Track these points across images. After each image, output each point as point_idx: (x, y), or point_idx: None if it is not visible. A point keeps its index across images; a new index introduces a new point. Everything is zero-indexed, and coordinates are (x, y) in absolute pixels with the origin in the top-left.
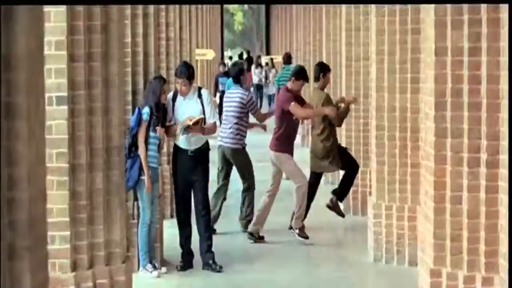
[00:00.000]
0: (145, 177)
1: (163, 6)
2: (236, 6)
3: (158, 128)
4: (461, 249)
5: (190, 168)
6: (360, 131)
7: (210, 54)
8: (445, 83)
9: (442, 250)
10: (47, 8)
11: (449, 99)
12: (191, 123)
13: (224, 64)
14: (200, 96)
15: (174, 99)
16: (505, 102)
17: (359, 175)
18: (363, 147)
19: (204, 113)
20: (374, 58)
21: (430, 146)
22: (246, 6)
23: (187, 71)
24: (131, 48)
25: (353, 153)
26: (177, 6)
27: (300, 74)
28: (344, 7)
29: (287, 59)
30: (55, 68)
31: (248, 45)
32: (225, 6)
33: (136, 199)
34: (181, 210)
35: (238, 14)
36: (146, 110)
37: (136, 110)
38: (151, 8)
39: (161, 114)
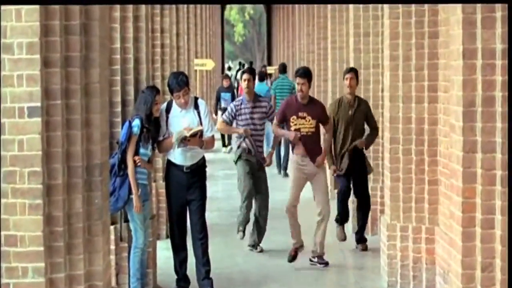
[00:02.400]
0: (133, 196)
1: (157, 11)
2: (236, 17)
3: (136, 157)
4: (493, 280)
5: (185, 186)
6: (380, 144)
7: (209, 64)
8: (475, 90)
9: (471, 281)
10: (17, 6)
11: (479, 108)
12: (188, 134)
13: (227, 77)
14: (196, 107)
15: (168, 110)
16: None
17: (369, 192)
18: (373, 161)
19: (201, 125)
20: (388, 64)
21: (457, 162)
22: (247, 16)
23: (185, 78)
24: (121, 55)
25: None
26: (174, 11)
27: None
28: (351, 11)
29: (283, 68)
30: (27, 74)
31: (249, 57)
32: (226, 17)
33: (126, 220)
34: (175, 232)
35: (238, 25)
36: (136, 123)
37: (126, 123)
38: (143, 10)
39: (153, 127)
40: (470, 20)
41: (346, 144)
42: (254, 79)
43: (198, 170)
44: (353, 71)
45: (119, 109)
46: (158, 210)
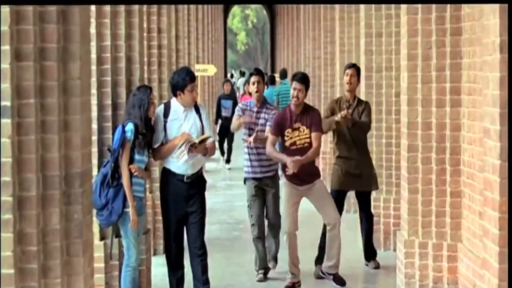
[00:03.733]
0: (129, 209)
1: (154, 9)
2: (239, 25)
3: (131, 166)
4: None
5: (185, 197)
6: (382, 152)
7: (211, 69)
8: None
9: None
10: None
11: None
12: (197, 141)
13: (229, 82)
14: (197, 110)
15: (166, 115)
16: None
17: (381, 203)
18: (386, 171)
19: (203, 131)
20: (405, 64)
21: (493, 171)
22: (250, 25)
23: (193, 74)
24: (111, 53)
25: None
26: (173, 12)
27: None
28: (362, 11)
29: (284, 74)
30: None
31: (252, 65)
32: (228, 26)
33: (117, 235)
34: (172, 249)
35: (241, 34)
36: (130, 127)
37: (119, 127)
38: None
39: (150, 131)
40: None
41: (350, 149)
42: (263, 81)
43: (199, 180)
44: (355, 68)
45: (109, 112)
46: (155, 224)
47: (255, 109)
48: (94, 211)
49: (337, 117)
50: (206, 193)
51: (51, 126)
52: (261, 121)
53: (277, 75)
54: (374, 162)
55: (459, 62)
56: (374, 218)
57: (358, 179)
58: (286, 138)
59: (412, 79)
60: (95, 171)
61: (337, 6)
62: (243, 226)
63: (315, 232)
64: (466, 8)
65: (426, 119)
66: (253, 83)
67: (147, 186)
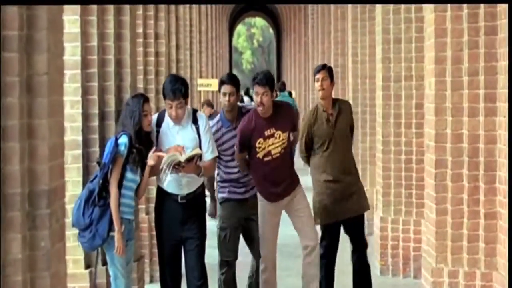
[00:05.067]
0: (115, 234)
1: (151, 13)
2: (245, 44)
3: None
4: None
5: (180, 220)
6: (401, 170)
7: (215, 84)
8: None
9: None
10: None
11: None
12: (183, 159)
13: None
14: (195, 121)
15: (158, 124)
16: None
17: (399, 225)
18: (405, 190)
19: (200, 146)
20: (432, 69)
21: None
22: (255, 44)
23: (184, 87)
24: (98, 55)
25: (391, 197)
26: (173, 18)
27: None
28: (379, 14)
29: (283, 86)
30: None
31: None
32: (234, 44)
33: (104, 263)
34: (167, 278)
35: (246, 52)
36: (123, 140)
37: (111, 139)
38: None
39: (146, 146)
40: None
41: (336, 170)
42: (238, 91)
43: (196, 201)
44: (325, 69)
45: (96, 123)
46: (151, 248)
47: (229, 131)
48: (77, 232)
49: None
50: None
51: (11, 132)
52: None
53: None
54: (391, 181)
55: (494, 65)
56: (393, 242)
57: (349, 202)
58: (258, 150)
59: (441, 85)
60: (79, 189)
61: (349, 15)
62: None
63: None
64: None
65: (457, 130)
66: (224, 94)
67: (143, 206)
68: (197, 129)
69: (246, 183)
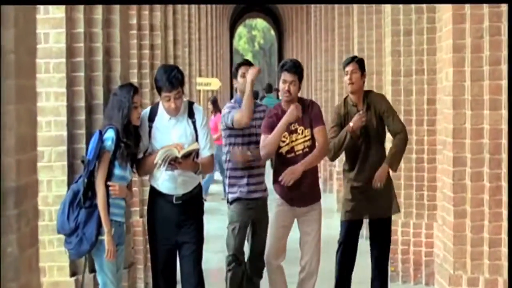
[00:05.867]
0: (105, 237)
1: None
2: (246, 47)
3: (110, 184)
4: None
5: (175, 223)
6: (412, 169)
7: (215, 83)
8: None
9: None
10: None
11: None
12: (180, 155)
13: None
14: (191, 115)
15: (151, 118)
16: None
17: (410, 229)
18: (416, 191)
19: (197, 141)
20: (449, 58)
21: None
22: (256, 46)
23: (180, 75)
24: (85, 43)
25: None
26: (171, 13)
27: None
28: (388, 6)
29: (268, 88)
30: None
31: (259, 87)
32: (235, 47)
33: (92, 270)
34: (161, 286)
35: (247, 55)
36: (110, 135)
37: (95, 134)
38: None
39: (133, 141)
40: None
41: (365, 169)
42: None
43: (193, 202)
44: (355, 61)
45: (83, 117)
46: (146, 254)
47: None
48: (63, 238)
49: (350, 125)
50: (205, 217)
51: None
52: (257, 122)
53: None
54: (402, 181)
55: None
56: (403, 247)
57: (375, 202)
58: (282, 144)
59: (459, 75)
60: (64, 189)
61: (355, 8)
62: None
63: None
64: None
65: (477, 125)
66: (243, 75)
67: (137, 209)
68: (194, 123)
69: (260, 182)
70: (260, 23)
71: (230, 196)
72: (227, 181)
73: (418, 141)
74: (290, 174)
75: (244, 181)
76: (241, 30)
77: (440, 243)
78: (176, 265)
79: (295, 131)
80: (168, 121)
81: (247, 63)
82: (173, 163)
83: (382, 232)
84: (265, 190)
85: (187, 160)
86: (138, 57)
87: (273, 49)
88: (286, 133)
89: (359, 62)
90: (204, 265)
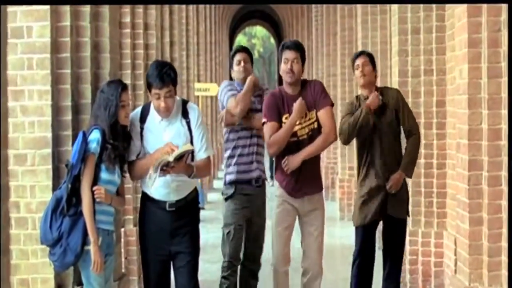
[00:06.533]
0: (91, 247)
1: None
2: None
3: (95, 188)
4: None
5: (169, 232)
6: (421, 175)
7: (213, 89)
8: None
9: None
10: None
11: None
12: (172, 158)
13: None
14: (185, 114)
15: (142, 119)
16: None
17: (419, 238)
18: (425, 198)
19: (192, 143)
20: (464, 54)
21: None
22: (256, 55)
23: (172, 72)
24: (72, 38)
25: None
26: (167, 14)
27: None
28: (397, 9)
29: None
30: None
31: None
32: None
33: (78, 283)
34: None
35: None
36: (95, 136)
37: (80, 135)
38: None
39: (122, 142)
40: None
41: (379, 169)
42: (252, 61)
43: (188, 209)
44: (365, 55)
45: (69, 117)
46: (140, 265)
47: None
48: (48, 250)
49: (366, 102)
50: (203, 226)
51: None
52: (257, 105)
53: None
54: (410, 188)
55: None
56: (411, 257)
57: (387, 204)
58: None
59: (474, 72)
60: (49, 195)
61: (359, 10)
62: None
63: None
64: None
65: (494, 125)
66: (238, 62)
67: (131, 217)
68: (188, 123)
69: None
70: (259, 31)
71: (228, 179)
72: (225, 162)
73: (427, 146)
74: (288, 164)
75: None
76: (240, 38)
77: (450, 252)
78: (170, 277)
79: None
80: (159, 122)
81: (243, 50)
82: (165, 168)
83: (395, 241)
84: (264, 171)
85: (180, 163)
86: (131, 57)
87: (272, 57)
88: (288, 115)
89: (370, 56)
90: (200, 277)
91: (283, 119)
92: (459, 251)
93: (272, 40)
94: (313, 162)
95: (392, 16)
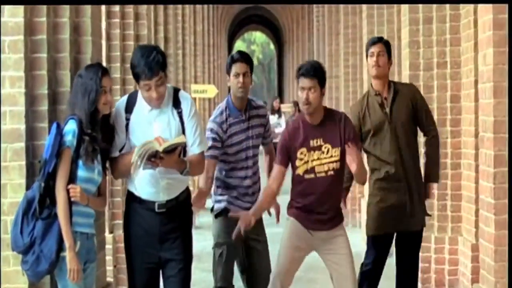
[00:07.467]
0: (66, 254)
1: None
2: None
3: (70, 186)
4: None
5: (158, 236)
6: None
7: (211, 90)
8: None
9: None
10: None
11: None
12: (161, 148)
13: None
14: (177, 104)
15: (128, 109)
16: None
17: (431, 244)
18: (438, 201)
19: (184, 135)
20: (488, 37)
21: None
22: (256, 61)
23: (161, 56)
24: (48, 19)
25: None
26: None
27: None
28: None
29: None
30: None
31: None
32: None
33: None
34: None
35: None
36: (70, 127)
37: (53, 127)
38: None
39: (102, 134)
40: None
41: (391, 170)
42: (251, 70)
43: (179, 211)
44: (382, 42)
45: (45, 107)
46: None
47: (242, 116)
48: (20, 257)
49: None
50: (199, 233)
51: None
52: (256, 130)
53: (287, 106)
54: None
55: None
56: (423, 265)
57: (404, 211)
58: (298, 163)
59: (499, 57)
60: (22, 195)
61: (364, 5)
62: None
63: None
64: None
65: None
66: (236, 75)
67: (121, 222)
68: (180, 114)
69: (255, 192)
70: (259, 37)
71: (216, 207)
72: (214, 187)
73: (440, 144)
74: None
75: (237, 191)
76: (239, 44)
77: (466, 259)
78: (159, 286)
79: (319, 148)
80: (148, 113)
81: (242, 59)
82: (153, 159)
83: (411, 252)
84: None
85: (170, 156)
86: (121, 49)
87: (272, 63)
88: (304, 150)
89: (387, 44)
90: (194, 287)
91: (298, 154)
92: (482, 258)
93: (272, 46)
94: (331, 198)
95: (402, 6)
